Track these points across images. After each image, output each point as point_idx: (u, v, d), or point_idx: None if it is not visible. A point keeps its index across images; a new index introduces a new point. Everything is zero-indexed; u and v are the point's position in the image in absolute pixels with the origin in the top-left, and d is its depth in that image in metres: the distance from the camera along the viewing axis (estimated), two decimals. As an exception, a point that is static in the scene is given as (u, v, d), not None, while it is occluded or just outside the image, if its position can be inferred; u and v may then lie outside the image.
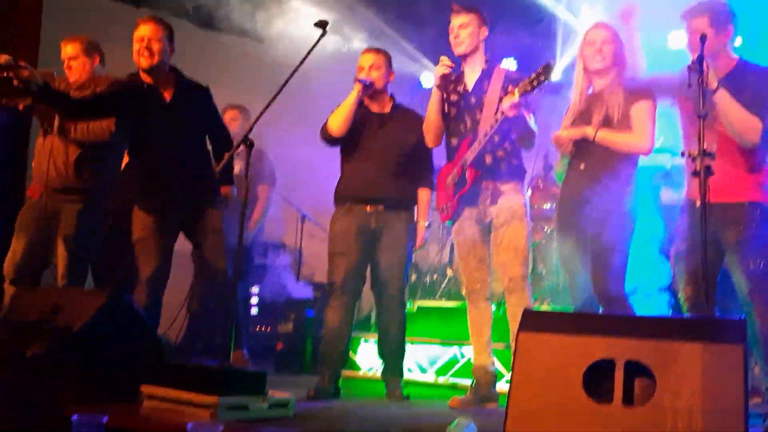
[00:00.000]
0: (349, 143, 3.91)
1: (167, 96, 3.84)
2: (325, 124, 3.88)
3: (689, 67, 2.93)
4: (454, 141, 3.71)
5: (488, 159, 3.57)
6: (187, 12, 6.27)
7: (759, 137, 2.98)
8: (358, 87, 3.80)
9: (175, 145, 3.83)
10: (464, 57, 3.69)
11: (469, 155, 3.56)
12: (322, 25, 3.49)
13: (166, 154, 3.81)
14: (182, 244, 5.38)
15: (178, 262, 5.30)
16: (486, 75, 3.64)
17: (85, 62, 4.17)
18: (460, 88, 3.72)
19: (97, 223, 4.17)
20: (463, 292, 3.77)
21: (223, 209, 4.03)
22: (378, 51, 3.98)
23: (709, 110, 2.86)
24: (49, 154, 4.08)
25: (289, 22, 5.78)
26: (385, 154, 3.85)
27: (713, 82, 2.91)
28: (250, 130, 3.38)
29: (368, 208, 3.84)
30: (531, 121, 3.52)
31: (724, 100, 2.96)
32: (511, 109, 3.32)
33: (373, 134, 3.88)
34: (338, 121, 3.82)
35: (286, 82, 3.45)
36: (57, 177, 4.07)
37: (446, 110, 3.73)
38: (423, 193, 4.00)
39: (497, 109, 3.44)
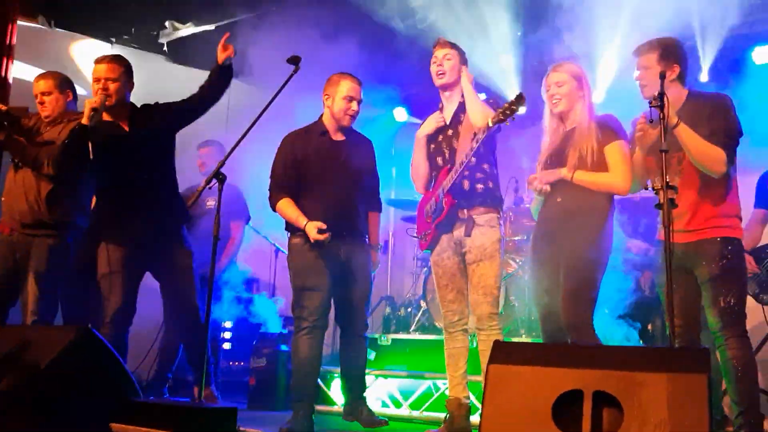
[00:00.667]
0: (311, 173, 3.89)
1: (125, 126, 3.88)
2: (273, 202, 3.92)
3: (650, 103, 3.03)
4: (433, 172, 3.79)
5: (465, 184, 3.62)
6: (161, 46, 6.31)
7: (725, 166, 3.05)
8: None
9: (141, 175, 3.84)
10: (444, 88, 3.77)
11: (447, 183, 3.61)
12: (294, 61, 3.57)
13: (133, 186, 3.83)
14: (152, 278, 5.37)
15: (150, 297, 5.29)
16: (463, 107, 3.71)
17: (59, 98, 4.16)
18: (440, 121, 3.80)
19: (67, 258, 4.12)
20: (440, 324, 3.81)
21: (192, 245, 4.03)
22: (357, 81, 3.99)
23: (670, 145, 2.95)
24: (21, 189, 4.05)
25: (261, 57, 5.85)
26: (346, 182, 3.89)
27: (673, 118, 2.97)
28: (222, 164, 3.42)
29: (337, 240, 3.80)
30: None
31: (685, 134, 3.03)
32: (482, 133, 3.41)
33: (331, 163, 3.88)
34: (283, 216, 3.90)
35: (259, 116, 3.51)
36: (29, 212, 4.02)
37: (429, 146, 3.82)
38: (374, 217, 4.08)
39: (473, 136, 3.51)
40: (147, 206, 3.82)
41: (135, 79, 4.00)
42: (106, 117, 3.85)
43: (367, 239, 4.05)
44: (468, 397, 3.70)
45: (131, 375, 2.97)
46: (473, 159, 3.55)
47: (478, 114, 3.51)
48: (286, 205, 3.87)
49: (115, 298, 3.73)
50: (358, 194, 3.94)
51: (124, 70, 3.87)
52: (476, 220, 3.60)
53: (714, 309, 3.05)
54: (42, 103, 4.13)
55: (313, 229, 3.71)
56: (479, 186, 3.63)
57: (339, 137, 3.99)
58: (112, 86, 3.81)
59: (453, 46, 3.75)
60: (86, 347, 2.88)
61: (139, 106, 3.99)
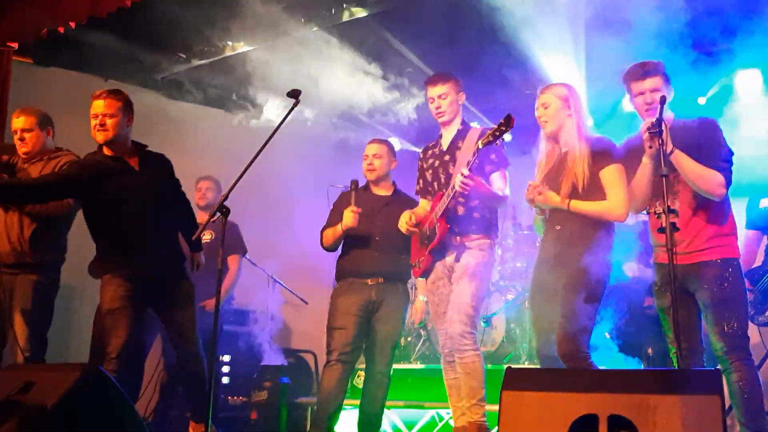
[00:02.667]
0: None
1: (135, 165, 3.86)
2: (321, 238, 4.23)
3: (649, 129, 3.07)
4: (430, 198, 3.81)
5: (460, 210, 3.62)
6: (156, 82, 6.34)
7: (725, 189, 3.08)
8: (344, 228, 4.03)
9: (145, 213, 3.81)
10: (445, 124, 3.81)
11: (439, 208, 3.61)
12: (294, 95, 3.57)
13: (136, 221, 3.80)
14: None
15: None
16: (461, 134, 3.75)
17: (39, 135, 4.11)
18: (437, 150, 3.84)
19: (53, 295, 4.07)
20: (439, 350, 3.78)
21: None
22: (381, 141, 4.30)
23: (669, 170, 2.99)
24: (2, 229, 3.99)
25: (259, 91, 5.91)
26: (385, 233, 4.04)
27: (669, 144, 3.00)
28: (226, 197, 3.42)
29: (369, 281, 4.03)
30: (501, 181, 3.63)
31: (682, 159, 3.06)
32: (464, 181, 3.38)
33: (375, 215, 4.10)
34: (329, 242, 4.18)
35: (260, 151, 3.51)
36: (11, 252, 3.96)
37: (426, 177, 3.86)
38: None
39: (467, 161, 3.50)
40: (152, 243, 3.79)
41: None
42: (108, 152, 3.84)
43: (407, 286, 4.21)
44: (483, 416, 3.55)
45: (138, 414, 2.94)
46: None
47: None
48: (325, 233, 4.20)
49: (120, 334, 3.69)
50: (398, 244, 4.01)
51: (121, 105, 3.81)
52: (467, 245, 3.60)
53: (718, 333, 3.06)
54: (22, 139, 4.07)
55: (349, 214, 3.96)
56: (475, 214, 3.63)
57: (384, 192, 4.26)
58: (109, 122, 3.76)
59: (445, 80, 3.74)
60: (93, 386, 2.84)
61: (147, 148, 3.98)
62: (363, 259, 4.04)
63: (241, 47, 5.75)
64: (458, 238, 3.61)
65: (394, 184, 4.28)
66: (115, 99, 3.83)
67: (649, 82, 3.22)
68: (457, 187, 3.40)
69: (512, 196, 3.75)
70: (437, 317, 3.72)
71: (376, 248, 4.05)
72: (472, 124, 3.92)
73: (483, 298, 3.63)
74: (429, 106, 3.81)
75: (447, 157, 3.76)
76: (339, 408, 3.97)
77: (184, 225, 4.05)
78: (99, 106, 3.78)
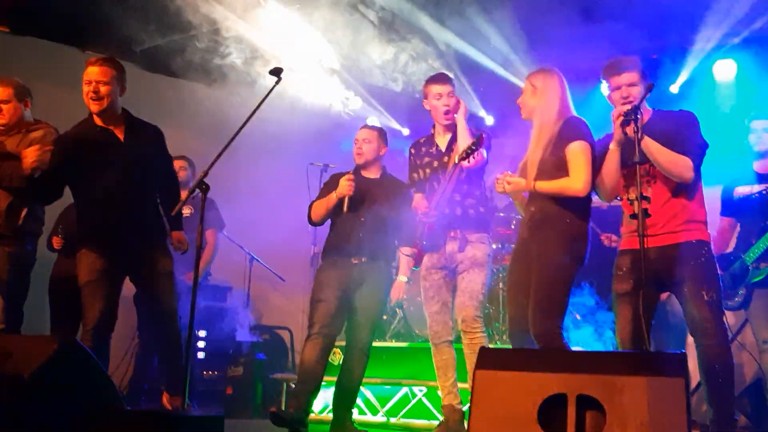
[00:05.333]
0: (339, 205, 4.14)
1: (120, 135, 3.83)
2: (309, 211, 4.28)
3: (624, 115, 3.13)
4: (430, 193, 3.91)
5: (458, 210, 3.83)
6: (134, 54, 6.26)
7: (692, 172, 3.17)
8: (338, 196, 4.11)
9: (128, 185, 3.80)
10: (446, 125, 3.92)
11: (432, 206, 3.78)
12: (276, 72, 3.58)
13: (117, 194, 3.78)
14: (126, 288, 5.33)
15: (124, 303, 5.25)
16: (456, 135, 3.86)
17: (17, 106, 4.05)
18: (433, 150, 3.97)
19: (30, 265, 4.07)
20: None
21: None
22: (372, 127, 4.40)
23: (642, 158, 3.06)
24: None
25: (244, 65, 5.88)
26: (371, 214, 4.11)
27: (639, 131, 3.05)
28: (206, 173, 3.42)
29: (353, 260, 4.10)
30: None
31: (652, 146, 3.15)
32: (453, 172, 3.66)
33: (362, 196, 4.15)
34: (318, 214, 4.24)
35: (242, 127, 3.52)
36: None
37: (419, 175, 4.00)
38: (405, 252, 4.21)
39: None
40: (133, 217, 3.79)
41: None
42: (98, 122, 3.81)
43: (390, 265, 4.32)
44: (461, 402, 3.82)
45: (115, 386, 2.96)
46: (465, 187, 3.82)
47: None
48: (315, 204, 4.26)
49: (98, 306, 3.69)
50: (382, 224, 4.10)
51: (116, 74, 3.79)
52: (468, 238, 3.82)
53: (698, 300, 3.12)
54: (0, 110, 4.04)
55: (344, 182, 4.05)
56: (471, 211, 3.86)
57: (372, 175, 4.29)
58: (103, 89, 3.74)
59: (452, 83, 3.93)
60: (70, 357, 2.86)
61: (135, 117, 3.96)
62: (349, 239, 4.12)
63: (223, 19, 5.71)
64: (458, 231, 3.81)
65: (383, 168, 4.35)
66: (111, 67, 3.80)
67: (626, 77, 3.31)
68: (457, 161, 3.67)
69: (486, 180, 3.86)
70: (427, 300, 3.89)
71: (362, 229, 4.11)
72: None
73: (488, 285, 3.89)
74: (433, 103, 3.90)
75: (446, 159, 3.91)
76: (318, 386, 4.03)
77: (166, 201, 4.02)
78: (94, 72, 3.75)
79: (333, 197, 4.13)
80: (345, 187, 4.05)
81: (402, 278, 4.24)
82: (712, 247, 3.28)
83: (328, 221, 4.29)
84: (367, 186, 4.20)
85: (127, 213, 3.78)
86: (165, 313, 3.87)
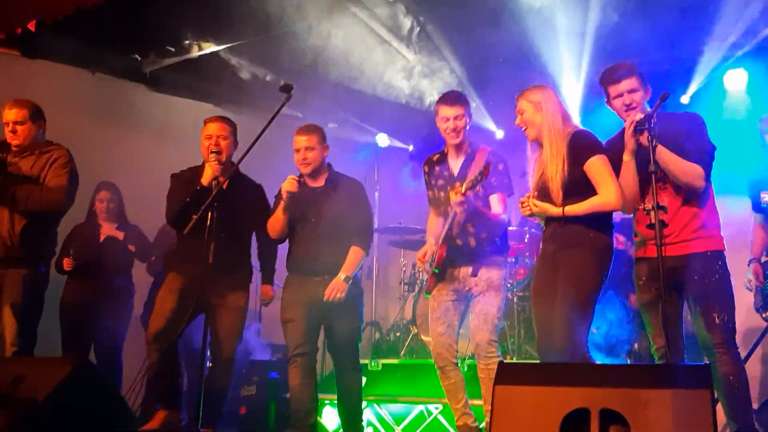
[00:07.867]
0: (292, 220, 4.05)
1: (224, 184, 3.79)
2: (268, 231, 4.13)
3: (637, 125, 3.11)
4: (442, 220, 3.82)
5: (472, 242, 3.67)
6: (144, 76, 6.29)
7: (704, 181, 3.15)
8: (281, 203, 3.98)
9: (223, 231, 3.69)
10: (457, 146, 3.80)
11: (442, 233, 3.68)
12: (286, 89, 3.56)
13: (212, 238, 3.61)
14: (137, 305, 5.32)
15: (136, 324, 5.24)
16: (470, 159, 3.78)
17: (31, 128, 4.07)
18: (446, 173, 3.83)
19: (43, 287, 4.05)
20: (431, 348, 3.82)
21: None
22: (310, 131, 4.07)
23: (645, 164, 3.02)
24: None
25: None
26: (324, 226, 4.00)
27: (654, 139, 3.03)
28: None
29: (316, 279, 3.97)
30: (499, 205, 3.71)
31: (664, 155, 3.11)
32: (458, 206, 3.49)
33: (309, 209, 4.04)
34: (274, 229, 4.08)
35: (252, 144, 3.52)
36: (2, 246, 3.93)
37: (434, 194, 3.88)
38: (352, 250, 4.03)
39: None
40: (220, 255, 3.61)
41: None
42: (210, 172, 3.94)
43: (359, 277, 4.15)
44: (475, 421, 3.73)
45: (129, 408, 2.93)
46: (476, 218, 3.63)
47: None
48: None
49: (159, 319, 3.90)
50: (339, 235, 4.01)
51: (232, 129, 4.15)
52: (483, 262, 3.69)
53: (709, 324, 3.09)
54: (14, 131, 4.03)
55: (288, 180, 3.94)
56: (483, 235, 3.67)
57: (317, 184, 4.12)
58: (223, 143, 4.06)
59: (463, 103, 3.76)
60: (83, 379, 2.84)
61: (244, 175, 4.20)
62: (308, 257, 3.99)
63: (229, 43, 5.75)
64: (472, 260, 3.69)
65: (328, 169, 4.14)
66: (227, 124, 4.15)
67: (625, 84, 3.28)
68: (455, 208, 3.50)
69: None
70: (432, 321, 3.79)
71: (319, 242, 3.98)
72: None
73: (503, 309, 3.76)
74: (440, 125, 3.78)
75: (458, 184, 3.70)
76: (315, 401, 3.96)
77: (261, 253, 4.32)
78: (214, 128, 4.11)
79: (280, 206, 3.97)
80: (288, 183, 3.91)
81: (340, 275, 3.96)
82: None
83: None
84: (315, 197, 4.05)
85: (217, 255, 3.64)
86: (222, 351, 4.05)
